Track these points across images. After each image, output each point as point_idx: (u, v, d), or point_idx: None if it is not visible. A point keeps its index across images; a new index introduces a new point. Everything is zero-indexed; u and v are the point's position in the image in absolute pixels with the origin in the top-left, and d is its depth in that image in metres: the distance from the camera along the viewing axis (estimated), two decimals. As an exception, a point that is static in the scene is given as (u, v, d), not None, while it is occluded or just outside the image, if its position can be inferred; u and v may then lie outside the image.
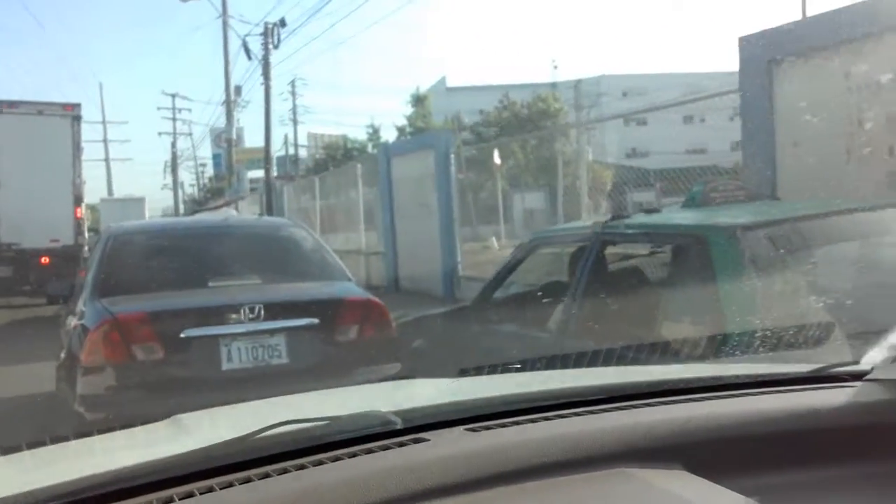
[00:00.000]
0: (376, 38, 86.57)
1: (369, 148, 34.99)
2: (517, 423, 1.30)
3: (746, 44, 6.51)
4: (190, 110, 46.94)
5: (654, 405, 1.37)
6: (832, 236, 3.31)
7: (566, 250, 4.62)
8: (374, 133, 35.13)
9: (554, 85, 42.46)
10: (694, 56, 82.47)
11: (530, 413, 1.34)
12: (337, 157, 34.27)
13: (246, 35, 19.75)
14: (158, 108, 45.73)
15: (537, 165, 20.85)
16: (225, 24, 27.21)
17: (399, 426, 1.25)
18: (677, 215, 4.05)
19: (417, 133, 32.75)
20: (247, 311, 4.25)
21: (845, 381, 1.43)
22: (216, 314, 4.31)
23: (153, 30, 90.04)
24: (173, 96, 43.30)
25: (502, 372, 2.29)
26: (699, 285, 3.14)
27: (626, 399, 1.40)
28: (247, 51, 19.75)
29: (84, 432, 1.58)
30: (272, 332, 4.31)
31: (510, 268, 4.54)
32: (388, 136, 36.14)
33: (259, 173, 35.51)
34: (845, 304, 2.61)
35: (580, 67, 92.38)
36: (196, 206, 37.17)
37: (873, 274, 3.02)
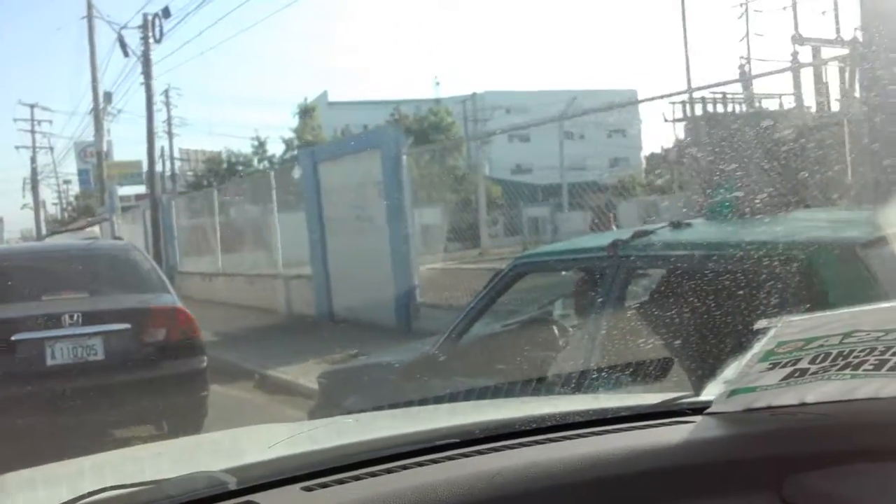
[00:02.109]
0: (249, 48, 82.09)
1: (255, 162, 31.95)
2: (357, 477, 1.18)
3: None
4: (51, 122, 41.50)
5: (499, 449, 1.27)
6: None
7: (559, 275, 3.80)
8: (260, 146, 32.05)
9: (437, 101, 41.02)
10: (569, 74, 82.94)
11: (374, 464, 1.21)
12: (220, 171, 31.02)
13: (122, 28, 16.58)
14: (15, 120, 40.16)
15: (430, 181, 19.06)
16: (90, 23, 23.69)
17: (231, 487, 1.11)
18: (736, 230, 3.04)
19: (306, 147, 30.16)
20: (67, 318, 4.95)
21: (687, 415, 1.40)
22: (42, 321, 4.98)
23: (7, 32, 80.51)
24: (32, 107, 38.28)
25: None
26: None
27: (467, 444, 1.29)
28: (122, 46, 16.63)
29: None
30: (90, 335, 5.01)
31: (487, 301, 3.48)
32: (274, 149, 33.23)
33: (132, 189, 31.68)
34: None
35: (459, 84, 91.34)
36: (59, 226, 32.76)
37: None
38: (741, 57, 18.70)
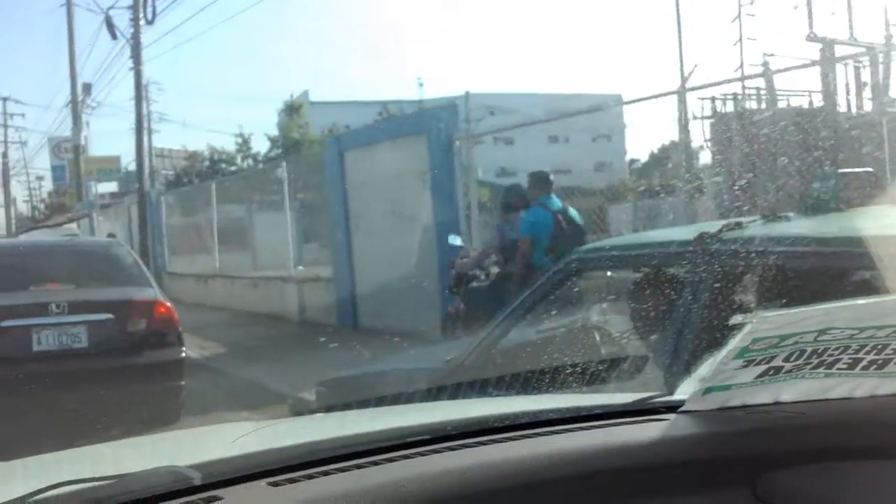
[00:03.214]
0: (225, 44, 78.95)
1: (239, 160, 30.22)
2: (326, 472, 1.13)
3: None
4: (23, 116, 39.06)
5: (471, 446, 1.24)
6: None
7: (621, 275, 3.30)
8: (244, 143, 30.24)
9: (421, 102, 39.69)
10: (552, 77, 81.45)
11: (344, 460, 1.17)
12: (202, 169, 29.24)
13: (110, 8, 14.93)
14: (-14, 114, 37.78)
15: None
16: (70, 10, 21.99)
17: (197, 482, 1.06)
18: (838, 223, 2.53)
19: (294, 146, 28.57)
20: (54, 306, 5.21)
21: (661, 413, 1.37)
22: (29, 309, 5.25)
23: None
24: (4, 100, 36.12)
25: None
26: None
27: (439, 441, 1.25)
28: (110, 27, 14.97)
29: None
30: (74, 323, 5.25)
31: (532, 303, 2.96)
32: (258, 147, 31.52)
33: (105, 187, 29.77)
34: None
35: (441, 86, 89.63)
36: (31, 223, 30.73)
37: None
38: (764, 54, 17.61)
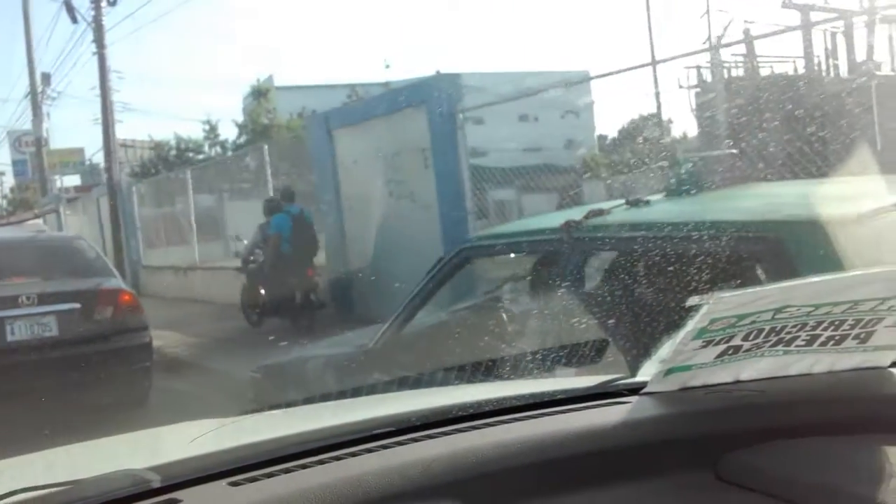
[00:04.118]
0: (180, 28, 76.21)
1: (206, 147, 29.19)
2: (287, 470, 1.10)
3: None
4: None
5: (435, 436, 1.22)
6: None
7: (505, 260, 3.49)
8: (212, 130, 29.15)
9: (388, 83, 38.86)
10: (517, 56, 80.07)
11: (306, 456, 1.14)
12: (169, 158, 28.20)
13: (68, -9, 13.97)
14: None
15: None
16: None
17: (155, 485, 1.04)
18: (699, 207, 2.72)
19: (263, 131, 27.64)
20: (24, 299, 5.49)
21: (624, 395, 1.37)
22: (1, 302, 5.45)
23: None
24: (-46, 94, 34.47)
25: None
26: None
27: (402, 433, 1.23)
28: (70, 10, 14.04)
29: None
30: (44, 314, 5.53)
31: (429, 290, 3.12)
32: (225, 134, 30.48)
33: (68, 181, 28.60)
34: None
35: (406, 68, 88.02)
36: (-6, 221, 29.50)
37: None
38: (745, 21, 17.23)
